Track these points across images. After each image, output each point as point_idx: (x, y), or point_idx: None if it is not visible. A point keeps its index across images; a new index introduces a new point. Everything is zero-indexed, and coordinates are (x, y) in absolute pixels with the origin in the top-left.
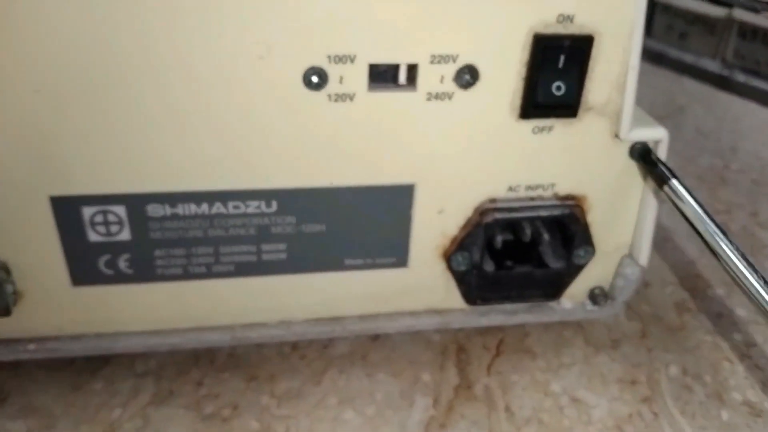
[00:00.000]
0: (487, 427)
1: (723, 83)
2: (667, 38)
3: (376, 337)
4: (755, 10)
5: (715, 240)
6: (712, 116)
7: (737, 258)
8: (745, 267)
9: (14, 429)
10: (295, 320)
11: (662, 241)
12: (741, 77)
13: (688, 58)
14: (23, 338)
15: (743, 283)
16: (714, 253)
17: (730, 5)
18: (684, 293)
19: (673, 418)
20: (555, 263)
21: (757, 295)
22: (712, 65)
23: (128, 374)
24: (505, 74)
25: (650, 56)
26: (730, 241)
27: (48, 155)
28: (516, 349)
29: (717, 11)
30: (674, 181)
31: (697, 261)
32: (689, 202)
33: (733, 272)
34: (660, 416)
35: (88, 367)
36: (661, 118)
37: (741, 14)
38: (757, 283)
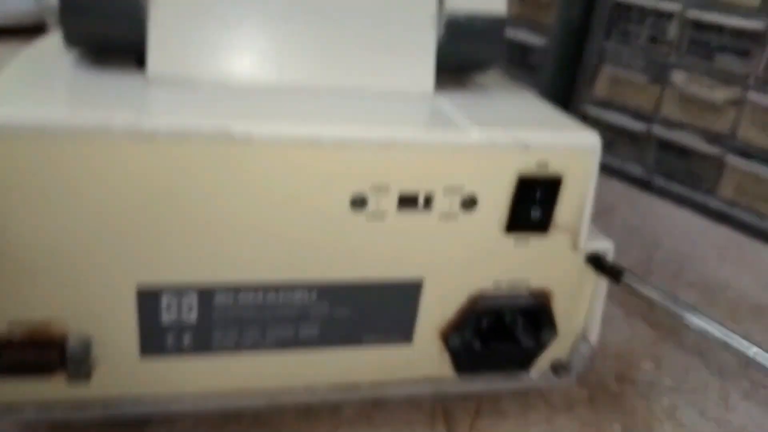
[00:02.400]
0: None
1: (645, 185)
2: None
3: (377, 403)
4: (671, 127)
5: (679, 309)
6: (636, 214)
7: (704, 319)
8: (713, 325)
9: None
10: (319, 386)
11: (603, 323)
12: (660, 181)
13: (615, 162)
14: (92, 400)
15: (714, 337)
16: (682, 318)
17: (649, 121)
18: (622, 366)
19: None
20: (527, 342)
21: (729, 343)
22: (636, 170)
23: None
24: (497, 202)
25: None
26: (692, 307)
27: (140, 250)
28: (491, 411)
29: (639, 126)
30: (628, 274)
31: (630, 339)
32: (647, 287)
33: (704, 331)
34: None
35: (132, 427)
36: (594, 214)
37: (659, 130)
38: (727, 336)
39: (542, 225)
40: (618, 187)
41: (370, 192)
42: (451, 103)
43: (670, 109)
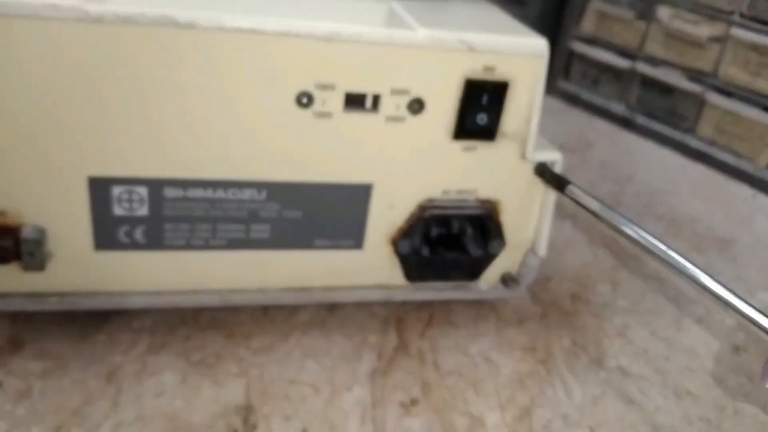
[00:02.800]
0: (419, 376)
1: (627, 124)
2: (582, 83)
3: (332, 308)
4: (654, 64)
5: (619, 221)
6: (615, 151)
7: (641, 232)
8: (650, 238)
9: (33, 368)
10: (270, 288)
11: (563, 247)
12: (642, 120)
13: (599, 100)
14: (47, 292)
15: (653, 251)
16: (621, 232)
17: (634, 58)
18: (578, 287)
19: (562, 376)
20: (475, 251)
21: (664, 256)
22: (618, 108)
23: (127, 329)
24: (444, 106)
25: (566, 97)
26: (631, 220)
27: (91, 141)
28: (443, 321)
29: (623, 63)
30: (571, 186)
31: (590, 264)
32: (589, 198)
33: (642, 244)
34: (552, 373)
35: (92, 322)
36: (572, 151)
37: (643, 67)
38: (664, 247)
39: (489, 131)
40: (600, 125)
41: (316, 89)
42: (404, 8)
43: (654, 46)
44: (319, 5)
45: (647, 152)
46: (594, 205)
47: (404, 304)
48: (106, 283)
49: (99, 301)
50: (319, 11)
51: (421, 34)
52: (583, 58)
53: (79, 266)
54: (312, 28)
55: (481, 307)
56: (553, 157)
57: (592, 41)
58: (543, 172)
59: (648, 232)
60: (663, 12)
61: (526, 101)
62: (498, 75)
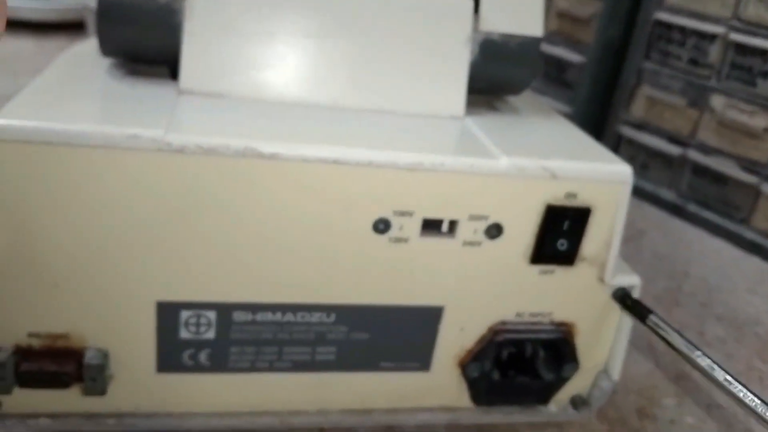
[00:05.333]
0: None
1: (678, 212)
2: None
3: (390, 428)
4: (707, 153)
5: (697, 359)
6: (667, 241)
7: (719, 370)
8: (726, 377)
9: None
10: (332, 410)
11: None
12: (693, 207)
13: (648, 186)
14: (105, 413)
15: (726, 389)
16: (698, 368)
17: (685, 145)
18: (644, 401)
19: None
20: (547, 375)
21: (741, 397)
22: (669, 195)
23: None
24: (523, 231)
25: None
26: (710, 358)
27: (162, 266)
28: None
29: (674, 149)
30: (653, 316)
31: (653, 373)
32: (671, 332)
33: (717, 382)
34: None
35: None
36: (624, 240)
37: (695, 155)
38: (741, 390)
39: (568, 257)
40: (650, 211)
41: (394, 216)
42: (481, 127)
43: (707, 134)
44: (394, 127)
45: (700, 243)
46: (677, 341)
47: (468, 425)
48: (167, 404)
49: (158, 423)
50: (394, 134)
51: (504, 163)
52: (632, 143)
53: (140, 388)
54: (394, 158)
55: (546, 427)
56: (632, 281)
57: (641, 126)
58: (622, 297)
59: (733, 377)
60: (717, 101)
61: (607, 226)
62: (580, 201)
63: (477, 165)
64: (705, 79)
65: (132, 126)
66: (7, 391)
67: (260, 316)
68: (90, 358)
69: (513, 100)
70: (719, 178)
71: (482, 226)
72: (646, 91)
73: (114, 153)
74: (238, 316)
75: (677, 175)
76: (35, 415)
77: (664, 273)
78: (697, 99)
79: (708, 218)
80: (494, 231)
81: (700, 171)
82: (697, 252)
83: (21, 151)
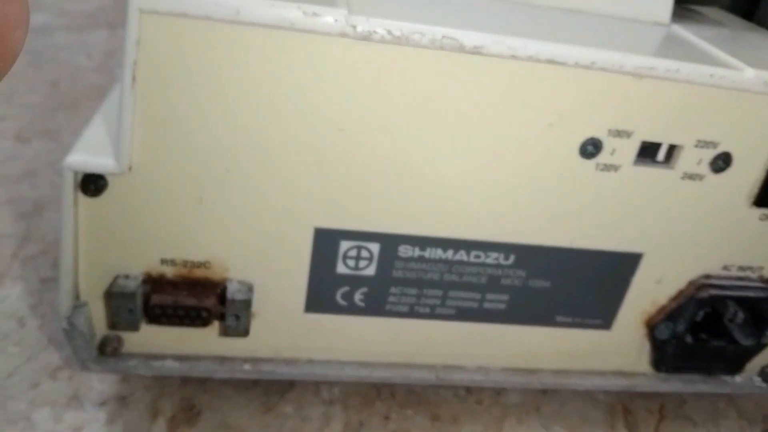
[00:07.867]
0: None
1: None
2: None
3: (544, 391)
4: None
5: None
6: None
7: None
8: None
9: None
10: (493, 367)
11: None
12: None
13: None
14: (240, 357)
15: None
16: None
17: None
18: None
19: None
20: (745, 341)
21: None
22: None
23: (315, 400)
24: (754, 165)
25: None
26: None
27: (323, 188)
28: (677, 415)
29: None
30: None
31: None
32: None
33: None
34: None
35: (275, 389)
36: None
37: None
38: None
39: None
40: None
41: (608, 136)
42: (699, 36)
43: None
44: (603, 28)
45: None
46: None
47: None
48: (310, 350)
49: (299, 371)
50: (607, 36)
51: (750, 74)
52: None
53: (282, 330)
54: (621, 61)
55: (718, 399)
56: None
57: None
58: None
59: None
60: None
61: None
62: None
63: (718, 76)
64: None
65: (310, 3)
66: (133, 326)
67: (429, 253)
68: (234, 291)
69: (701, 10)
70: None
71: (709, 155)
72: None
73: (290, 35)
74: (405, 250)
75: None
76: (161, 357)
77: None
78: None
79: None
80: (721, 162)
81: None
82: None
83: (190, 28)
